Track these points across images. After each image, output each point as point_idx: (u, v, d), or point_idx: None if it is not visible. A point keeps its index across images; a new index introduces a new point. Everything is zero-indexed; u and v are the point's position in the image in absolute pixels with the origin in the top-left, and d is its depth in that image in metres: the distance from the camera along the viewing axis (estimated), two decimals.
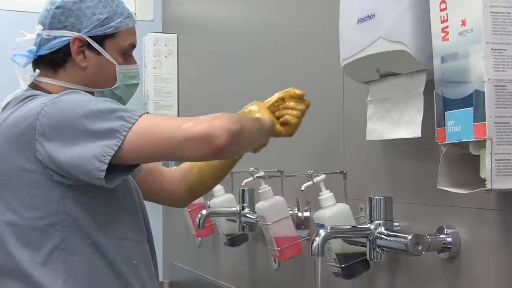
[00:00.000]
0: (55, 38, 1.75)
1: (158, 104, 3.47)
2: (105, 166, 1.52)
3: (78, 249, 1.63)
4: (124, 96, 1.83)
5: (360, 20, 1.60)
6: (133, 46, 1.82)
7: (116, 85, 1.79)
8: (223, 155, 1.54)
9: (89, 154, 1.53)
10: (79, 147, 1.55)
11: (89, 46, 1.75)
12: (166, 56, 3.48)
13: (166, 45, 3.48)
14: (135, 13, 3.61)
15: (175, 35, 3.51)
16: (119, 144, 1.53)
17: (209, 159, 1.59)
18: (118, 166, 1.57)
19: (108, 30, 1.76)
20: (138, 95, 3.39)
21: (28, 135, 1.60)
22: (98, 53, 1.76)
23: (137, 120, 1.55)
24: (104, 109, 1.57)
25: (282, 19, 2.34)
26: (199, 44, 3.23)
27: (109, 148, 1.53)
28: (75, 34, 1.74)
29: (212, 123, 1.51)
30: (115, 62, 1.78)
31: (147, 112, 1.59)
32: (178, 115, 3.47)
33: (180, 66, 3.49)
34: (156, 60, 3.48)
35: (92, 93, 1.77)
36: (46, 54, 1.76)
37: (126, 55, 1.81)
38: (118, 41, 1.78)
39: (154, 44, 3.48)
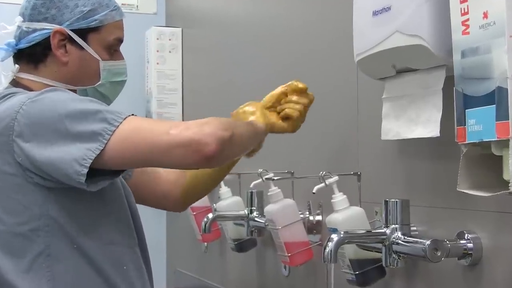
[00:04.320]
0: (35, 30, 1.71)
1: (162, 101, 3.47)
2: (85, 170, 1.50)
3: (63, 256, 1.61)
4: (109, 94, 1.79)
5: (375, 13, 1.60)
6: (120, 41, 1.78)
7: (100, 82, 1.76)
8: (212, 163, 1.52)
9: (69, 157, 1.51)
10: (59, 148, 1.52)
11: (71, 40, 1.71)
12: (170, 51, 3.48)
13: (170, 39, 3.48)
14: (137, 6, 3.65)
15: (180, 29, 3.50)
16: (101, 148, 1.50)
17: (197, 168, 1.56)
18: (104, 170, 1.54)
19: (92, 23, 1.72)
20: (140, 92, 3.45)
21: (6, 135, 1.57)
22: (81, 48, 1.72)
23: (121, 123, 1.52)
24: (87, 110, 1.54)
25: (292, 11, 2.33)
26: (205, 38, 3.22)
27: (90, 151, 1.50)
28: (56, 27, 1.71)
29: (202, 129, 1.48)
30: (99, 58, 1.74)
31: (133, 114, 1.56)
32: (183, 113, 3.48)
33: (185, 62, 3.49)
34: (160, 56, 3.48)
35: (74, 91, 1.73)
36: (26, 48, 1.73)
37: (112, 51, 1.77)
38: (102, 35, 1.74)
39: (158, 39, 3.48)
